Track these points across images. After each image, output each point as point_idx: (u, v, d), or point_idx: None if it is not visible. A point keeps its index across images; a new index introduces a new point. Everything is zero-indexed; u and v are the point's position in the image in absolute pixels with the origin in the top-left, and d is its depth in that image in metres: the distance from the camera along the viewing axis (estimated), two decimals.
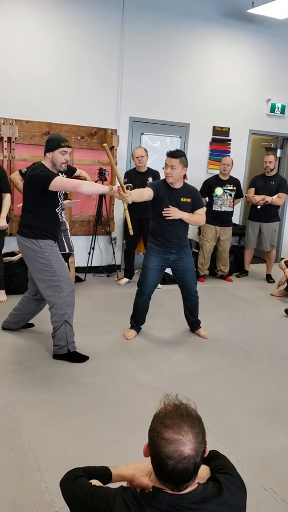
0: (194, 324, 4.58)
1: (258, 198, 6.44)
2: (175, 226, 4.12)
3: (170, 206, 4.06)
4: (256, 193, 6.52)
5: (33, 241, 3.65)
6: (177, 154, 3.99)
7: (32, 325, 4.38)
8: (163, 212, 4.05)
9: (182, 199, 4.12)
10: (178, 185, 4.12)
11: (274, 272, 6.80)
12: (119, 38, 6.15)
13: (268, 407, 3.31)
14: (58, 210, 3.75)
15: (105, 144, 3.62)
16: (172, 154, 4.00)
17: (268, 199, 6.38)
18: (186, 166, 4.05)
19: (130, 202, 3.77)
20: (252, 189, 6.58)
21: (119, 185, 3.65)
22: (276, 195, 6.42)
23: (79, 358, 3.80)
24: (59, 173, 3.75)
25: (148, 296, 4.37)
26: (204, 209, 4.35)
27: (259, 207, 6.45)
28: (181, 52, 6.63)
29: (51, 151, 3.60)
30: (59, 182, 3.52)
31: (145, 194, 4.02)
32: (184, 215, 4.10)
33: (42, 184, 3.50)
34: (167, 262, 4.27)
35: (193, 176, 6.48)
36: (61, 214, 3.81)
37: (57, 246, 3.80)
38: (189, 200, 4.16)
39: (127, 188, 5.70)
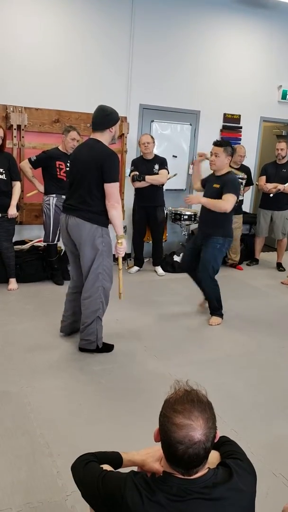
0: (210, 310, 4.62)
1: (270, 186, 6.38)
2: (203, 212, 4.35)
3: (208, 192, 4.36)
4: (268, 181, 6.46)
5: (102, 229, 3.49)
6: (221, 143, 4.22)
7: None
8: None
9: (214, 185, 4.31)
10: (220, 173, 4.32)
11: (285, 261, 6.77)
12: (129, 25, 6.09)
13: (279, 395, 3.31)
14: None
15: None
16: (216, 143, 4.23)
17: (280, 187, 6.32)
18: (231, 155, 4.27)
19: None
20: (264, 177, 6.52)
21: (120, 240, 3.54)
22: None
23: (107, 348, 3.77)
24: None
25: (185, 270, 4.74)
26: (230, 195, 4.17)
27: (271, 195, 6.40)
28: (191, 38, 6.56)
29: (114, 125, 3.50)
30: (116, 189, 3.42)
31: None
32: (201, 200, 4.29)
33: (108, 176, 3.37)
34: (199, 247, 4.45)
35: (203, 163, 6.42)
36: None
37: None
38: (218, 186, 4.27)
39: (133, 177, 5.74)
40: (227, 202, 4.15)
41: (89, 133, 6.10)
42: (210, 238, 4.32)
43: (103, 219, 3.49)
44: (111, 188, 3.40)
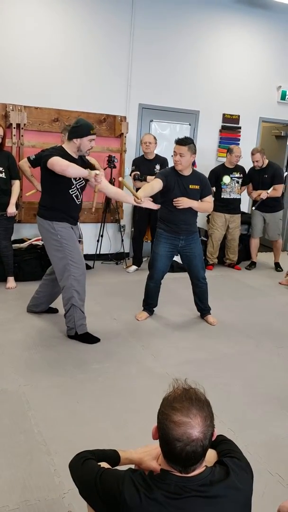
0: (203, 310, 4.61)
1: (255, 194, 6.41)
2: (185, 212, 4.17)
3: (179, 193, 4.10)
4: (254, 187, 6.47)
5: (49, 223, 3.73)
6: (185, 142, 4.00)
7: (56, 310, 4.45)
8: (173, 202, 4.10)
9: (191, 186, 4.16)
10: (187, 172, 4.15)
11: (282, 261, 6.78)
12: (129, 24, 6.09)
13: (276, 395, 3.32)
14: (72, 192, 3.73)
15: (121, 179, 3.83)
16: (180, 142, 4.01)
17: (263, 195, 6.27)
18: (195, 153, 4.08)
19: (143, 202, 3.84)
20: (250, 185, 6.53)
21: (97, 172, 3.60)
22: (271, 188, 6.29)
23: (90, 339, 3.90)
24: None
25: (158, 281, 4.48)
26: (212, 196, 4.33)
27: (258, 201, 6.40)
28: (191, 38, 6.57)
29: (79, 137, 3.60)
30: (52, 160, 3.50)
31: (156, 187, 4.04)
32: (194, 204, 4.16)
33: (44, 162, 3.56)
34: (176, 248, 4.33)
35: (202, 164, 6.45)
36: (77, 196, 3.80)
37: (74, 230, 3.84)
38: (197, 187, 4.19)
39: (134, 176, 5.74)
40: (212, 204, 4.37)
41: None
42: (194, 234, 4.35)
43: (50, 213, 3.72)
44: (50, 164, 3.50)
